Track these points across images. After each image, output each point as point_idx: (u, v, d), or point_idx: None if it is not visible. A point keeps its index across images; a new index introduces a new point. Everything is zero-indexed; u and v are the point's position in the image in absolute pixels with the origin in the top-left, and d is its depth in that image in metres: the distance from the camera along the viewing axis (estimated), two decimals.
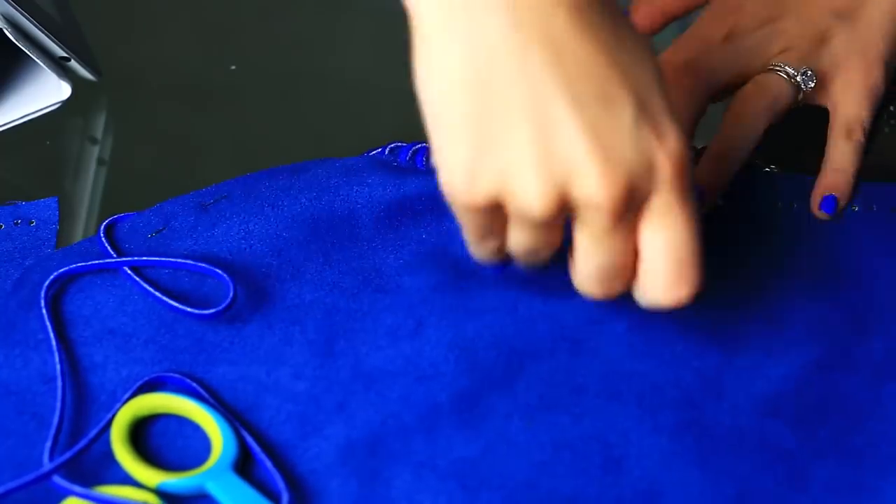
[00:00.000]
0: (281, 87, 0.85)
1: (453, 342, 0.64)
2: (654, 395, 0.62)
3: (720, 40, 0.73)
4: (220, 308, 0.65)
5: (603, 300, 0.59)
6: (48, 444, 0.60)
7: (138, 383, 0.63)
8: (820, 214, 0.70)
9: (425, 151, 0.71)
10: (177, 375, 0.64)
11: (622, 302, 0.64)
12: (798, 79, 0.71)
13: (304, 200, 0.69)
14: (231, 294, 0.65)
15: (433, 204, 0.69)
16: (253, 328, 0.65)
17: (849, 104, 0.72)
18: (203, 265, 0.67)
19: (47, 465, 0.59)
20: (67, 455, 0.60)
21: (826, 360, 0.64)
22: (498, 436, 0.61)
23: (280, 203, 0.69)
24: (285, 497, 0.59)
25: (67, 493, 0.59)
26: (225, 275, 0.66)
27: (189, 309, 0.65)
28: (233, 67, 0.85)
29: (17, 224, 0.72)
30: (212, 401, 0.63)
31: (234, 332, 0.65)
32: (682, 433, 0.61)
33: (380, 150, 0.73)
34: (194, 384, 0.63)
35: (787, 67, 0.71)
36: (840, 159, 0.71)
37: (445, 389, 0.62)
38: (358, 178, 0.70)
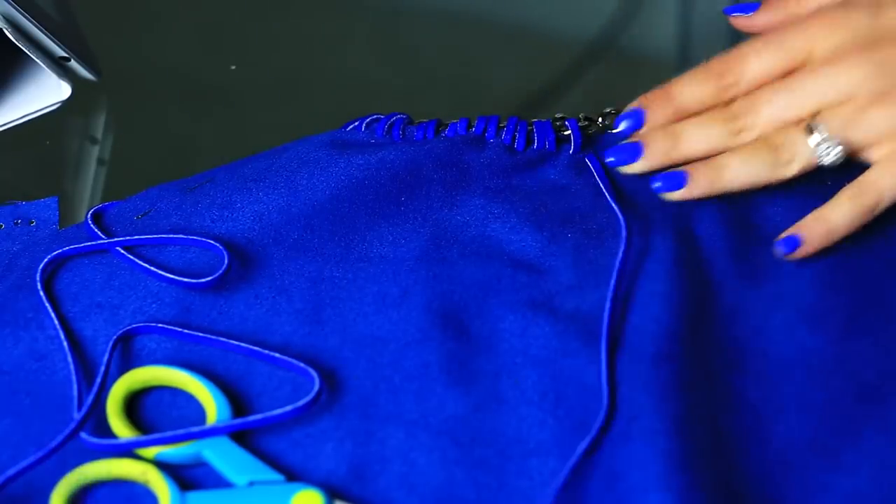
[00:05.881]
0: (281, 87, 0.85)
1: (440, 310, 0.65)
2: (633, 334, 0.63)
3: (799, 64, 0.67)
4: (217, 276, 0.66)
5: None
6: (74, 403, 0.62)
7: (118, 333, 0.64)
8: (777, 249, 0.66)
9: (401, 123, 0.72)
10: (154, 325, 0.65)
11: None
12: (821, 152, 0.65)
13: (285, 174, 0.70)
14: (226, 263, 0.66)
15: (410, 175, 0.70)
16: (240, 298, 0.66)
17: (887, 177, 0.65)
18: (194, 238, 0.68)
19: (76, 418, 0.60)
20: (85, 408, 0.61)
21: (793, 319, 0.65)
22: (487, 394, 0.62)
23: (262, 178, 0.70)
24: (317, 381, 0.61)
25: (96, 447, 0.60)
26: (218, 244, 0.67)
27: (185, 279, 0.66)
28: (233, 67, 0.85)
29: (17, 224, 0.72)
30: (196, 335, 0.64)
31: (222, 302, 0.66)
32: (663, 363, 0.62)
33: (357, 122, 0.73)
34: (175, 328, 0.64)
35: (817, 133, 0.65)
36: (836, 216, 0.66)
37: (434, 352, 0.63)
38: (338, 151, 0.71)
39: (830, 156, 0.66)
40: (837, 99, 0.66)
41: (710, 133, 0.67)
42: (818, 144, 0.66)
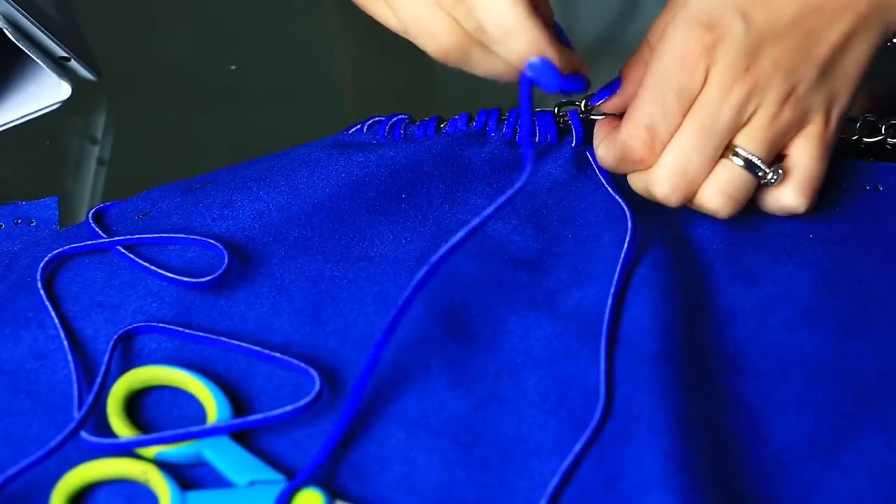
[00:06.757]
0: (281, 87, 0.85)
1: (441, 311, 0.65)
2: (633, 333, 0.63)
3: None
4: (217, 275, 0.66)
5: None
6: (74, 403, 0.62)
7: (119, 332, 0.64)
8: None
9: (402, 123, 0.72)
10: (155, 324, 0.65)
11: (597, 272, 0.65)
12: (769, 177, 0.65)
13: (286, 173, 0.70)
14: (226, 262, 0.66)
15: (411, 172, 0.70)
16: (240, 297, 0.67)
17: (807, 158, 0.65)
18: (195, 237, 0.68)
19: (77, 418, 0.60)
20: (85, 407, 0.61)
21: (792, 320, 0.65)
22: (488, 394, 0.62)
23: (263, 177, 0.71)
24: (318, 382, 0.62)
25: (96, 447, 0.60)
26: (218, 244, 0.67)
27: (186, 279, 0.66)
28: (233, 67, 0.85)
29: (17, 224, 0.72)
30: (196, 335, 0.64)
31: (223, 301, 0.66)
32: (662, 362, 0.62)
33: (359, 125, 0.74)
34: (176, 328, 0.65)
35: (755, 160, 0.64)
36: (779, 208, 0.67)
37: (435, 353, 0.64)
38: (339, 151, 0.71)
39: (768, 175, 0.65)
40: (746, 119, 0.64)
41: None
42: (751, 169, 0.64)
